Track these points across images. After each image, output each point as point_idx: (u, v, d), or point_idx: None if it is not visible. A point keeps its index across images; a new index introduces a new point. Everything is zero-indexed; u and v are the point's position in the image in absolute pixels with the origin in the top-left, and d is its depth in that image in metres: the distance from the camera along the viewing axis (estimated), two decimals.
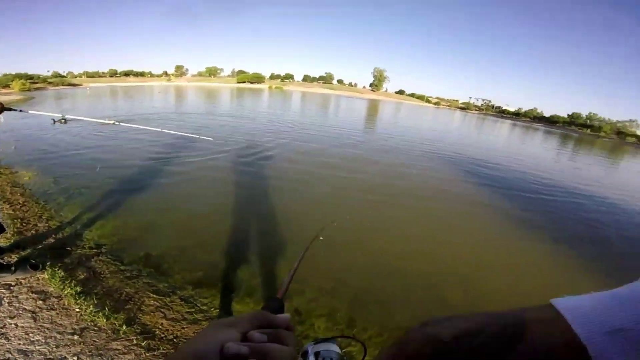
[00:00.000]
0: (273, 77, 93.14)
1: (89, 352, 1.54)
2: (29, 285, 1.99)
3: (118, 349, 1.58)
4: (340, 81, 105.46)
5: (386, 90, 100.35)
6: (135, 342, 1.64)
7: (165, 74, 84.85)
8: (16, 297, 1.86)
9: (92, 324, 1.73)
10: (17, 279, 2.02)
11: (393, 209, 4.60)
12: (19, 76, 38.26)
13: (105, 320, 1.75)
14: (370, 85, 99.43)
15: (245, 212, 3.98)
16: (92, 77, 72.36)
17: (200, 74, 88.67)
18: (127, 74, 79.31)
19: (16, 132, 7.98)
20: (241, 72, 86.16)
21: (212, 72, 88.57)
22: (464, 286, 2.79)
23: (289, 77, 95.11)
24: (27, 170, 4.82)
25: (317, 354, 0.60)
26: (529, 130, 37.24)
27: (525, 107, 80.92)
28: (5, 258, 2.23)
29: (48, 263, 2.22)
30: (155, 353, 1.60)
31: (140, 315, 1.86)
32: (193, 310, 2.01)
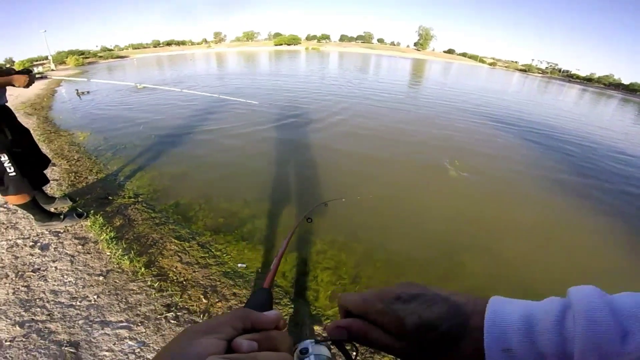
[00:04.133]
0: (309, 38, 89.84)
1: (108, 291, 1.73)
2: (73, 232, 2.25)
3: (133, 289, 1.76)
4: (380, 40, 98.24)
5: (433, 50, 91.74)
6: (149, 283, 1.80)
7: (205, 41, 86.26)
8: (61, 242, 2.12)
9: (117, 266, 1.92)
10: (65, 226, 2.29)
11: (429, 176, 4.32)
12: (72, 52, 41.63)
13: (128, 263, 1.93)
14: (415, 44, 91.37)
15: (271, 170, 4.01)
16: (137, 48, 76.22)
17: (238, 39, 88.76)
18: (169, 43, 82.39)
19: (74, 101, 8.93)
20: (277, 34, 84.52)
21: (249, 37, 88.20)
22: (483, 257, 2.61)
23: (325, 37, 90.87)
24: (82, 131, 5.35)
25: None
26: (603, 97, 31.87)
27: (599, 73, 68.98)
28: (59, 208, 2.57)
29: (92, 211, 2.50)
30: (163, 294, 1.75)
31: (160, 258, 2.04)
32: (207, 255, 2.15)
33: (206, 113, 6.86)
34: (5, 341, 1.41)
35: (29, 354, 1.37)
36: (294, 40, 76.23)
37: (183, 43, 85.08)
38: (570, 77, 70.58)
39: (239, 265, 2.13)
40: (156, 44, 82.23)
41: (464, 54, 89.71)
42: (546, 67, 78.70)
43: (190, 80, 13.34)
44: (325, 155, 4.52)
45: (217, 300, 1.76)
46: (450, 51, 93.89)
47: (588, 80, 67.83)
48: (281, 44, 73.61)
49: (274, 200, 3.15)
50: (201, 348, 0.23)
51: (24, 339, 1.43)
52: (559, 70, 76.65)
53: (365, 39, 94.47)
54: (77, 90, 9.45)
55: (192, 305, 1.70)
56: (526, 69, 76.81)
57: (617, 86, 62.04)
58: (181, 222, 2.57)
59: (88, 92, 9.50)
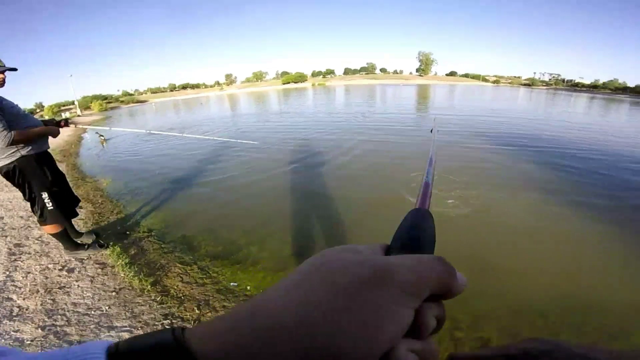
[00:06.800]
0: (315, 74, 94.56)
1: (119, 303, 2.13)
2: (95, 259, 2.71)
3: (138, 302, 2.15)
4: (383, 70, 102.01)
5: (435, 74, 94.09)
6: (153, 297, 2.19)
7: (217, 83, 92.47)
8: (85, 267, 2.58)
9: (129, 284, 2.34)
10: (89, 254, 2.75)
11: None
12: (96, 97, 45.30)
13: (138, 282, 2.34)
14: (417, 70, 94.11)
15: (265, 208, 4.32)
16: (155, 92, 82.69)
17: (248, 80, 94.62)
18: (184, 87, 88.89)
19: (98, 148, 9.99)
20: (285, 73, 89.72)
21: (258, 77, 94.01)
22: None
23: (330, 72, 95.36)
24: (105, 178, 6.05)
25: None
26: (613, 103, 31.37)
27: (602, 79, 68.32)
28: (84, 241, 3.04)
29: (111, 243, 2.98)
30: (163, 306, 2.13)
31: (165, 279, 2.44)
32: (204, 276, 2.53)
33: (214, 157, 7.39)
34: (27, 341, 1.81)
35: (43, 350, 1.70)
36: (300, 78, 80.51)
37: (197, 86, 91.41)
38: (575, 87, 70.09)
39: (232, 284, 2.48)
40: (172, 88, 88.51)
41: (466, 75, 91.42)
42: (549, 79, 78.62)
43: (202, 124, 14.30)
44: (320, 198, 4.65)
45: (207, 311, 2.11)
46: (452, 73, 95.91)
47: (594, 87, 67.04)
48: (288, 82, 77.71)
49: (265, 232, 3.47)
50: (396, 326, 0.16)
51: (42, 339, 1.82)
52: (563, 81, 76.34)
53: (368, 70, 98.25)
54: (99, 135, 10.50)
55: (186, 315, 2.05)
56: (530, 83, 77.17)
57: (624, 90, 60.75)
58: (186, 251, 3.00)
59: (109, 139, 10.57)
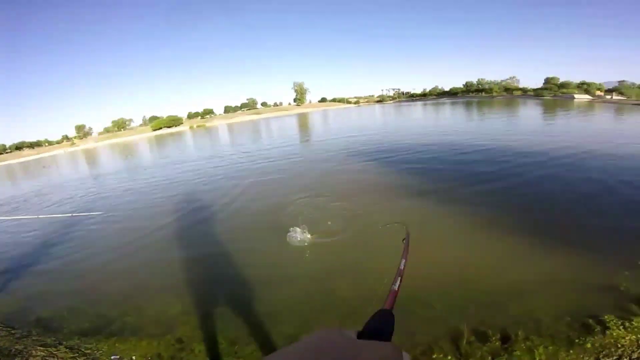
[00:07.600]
0: (191, 116, 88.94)
1: None
2: None
3: None
4: (264, 104, 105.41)
5: (310, 102, 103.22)
6: None
7: (67, 138, 74.97)
8: None
9: None
10: None
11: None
12: None
13: None
14: (295, 100, 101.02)
15: (140, 274, 4.19)
16: None
17: (107, 130, 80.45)
18: (18, 147, 68.02)
19: None
20: (154, 118, 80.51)
21: (120, 125, 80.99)
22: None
23: (209, 112, 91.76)
24: None
25: None
26: (439, 106, 42.32)
27: (428, 87, 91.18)
28: None
29: None
30: None
31: None
32: (77, 354, 2.41)
33: (61, 235, 6.35)
34: None
35: None
36: (174, 122, 73.79)
37: (38, 144, 71.37)
38: (412, 97, 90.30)
39: (112, 357, 2.38)
40: (1, 150, 66.07)
41: (334, 100, 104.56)
42: (393, 94, 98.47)
43: (44, 195, 11.64)
44: (199, 256, 4.64)
45: None
46: (323, 100, 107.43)
47: (424, 96, 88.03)
48: (160, 128, 70.18)
49: (141, 300, 3.42)
50: None
51: None
52: (403, 93, 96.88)
53: (250, 105, 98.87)
54: None
55: None
56: (381, 99, 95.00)
57: (444, 93, 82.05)
58: (45, 332, 2.78)
59: None
